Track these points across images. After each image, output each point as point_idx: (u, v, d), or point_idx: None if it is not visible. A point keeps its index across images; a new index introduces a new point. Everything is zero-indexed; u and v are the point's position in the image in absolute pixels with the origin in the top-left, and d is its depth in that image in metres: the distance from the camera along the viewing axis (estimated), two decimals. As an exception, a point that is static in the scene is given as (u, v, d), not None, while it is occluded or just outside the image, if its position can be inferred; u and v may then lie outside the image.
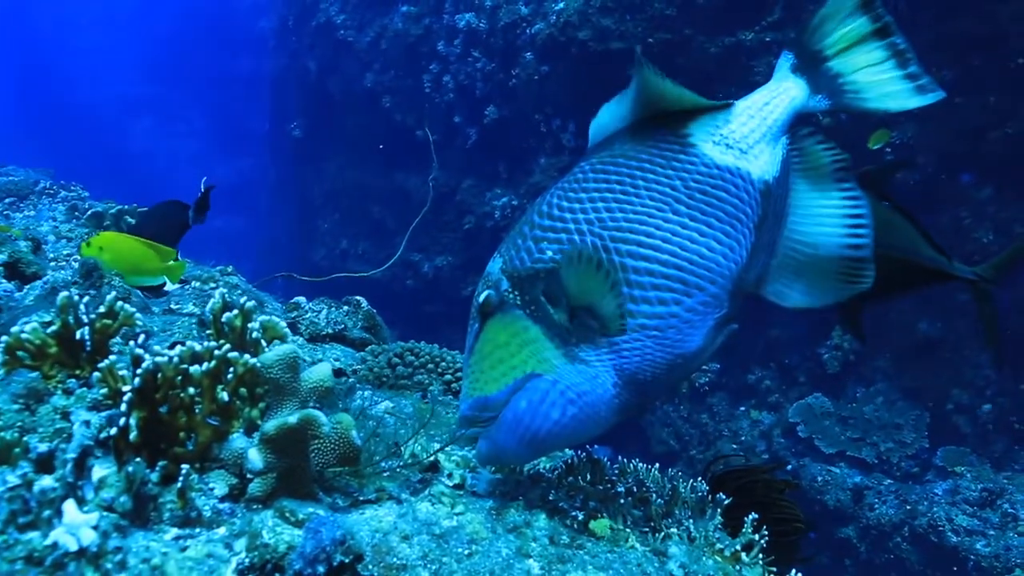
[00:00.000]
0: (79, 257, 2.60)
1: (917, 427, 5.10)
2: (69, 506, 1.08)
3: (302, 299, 2.89)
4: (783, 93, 1.45)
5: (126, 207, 4.26)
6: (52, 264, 3.12)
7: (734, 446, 5.54)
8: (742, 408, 5.83)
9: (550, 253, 1.35)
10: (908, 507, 4.76)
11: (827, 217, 1.38)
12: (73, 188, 5.22)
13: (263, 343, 1.47)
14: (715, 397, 5.94)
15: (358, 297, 2.93)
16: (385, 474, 1.44)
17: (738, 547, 1.47)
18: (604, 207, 1.35)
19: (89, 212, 4.16)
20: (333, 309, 2.84)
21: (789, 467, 5.23)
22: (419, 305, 7.72)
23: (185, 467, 1.22)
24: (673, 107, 1.40)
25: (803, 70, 1.46)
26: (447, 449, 1.63)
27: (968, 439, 5.05)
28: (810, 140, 1.43)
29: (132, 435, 1.25)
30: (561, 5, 6.22)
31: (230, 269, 3.54)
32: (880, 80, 1.41)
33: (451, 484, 1.51)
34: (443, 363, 2.21)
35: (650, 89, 1.35)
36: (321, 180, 9.75)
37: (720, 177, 1.37)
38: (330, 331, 2.75)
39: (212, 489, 1.30)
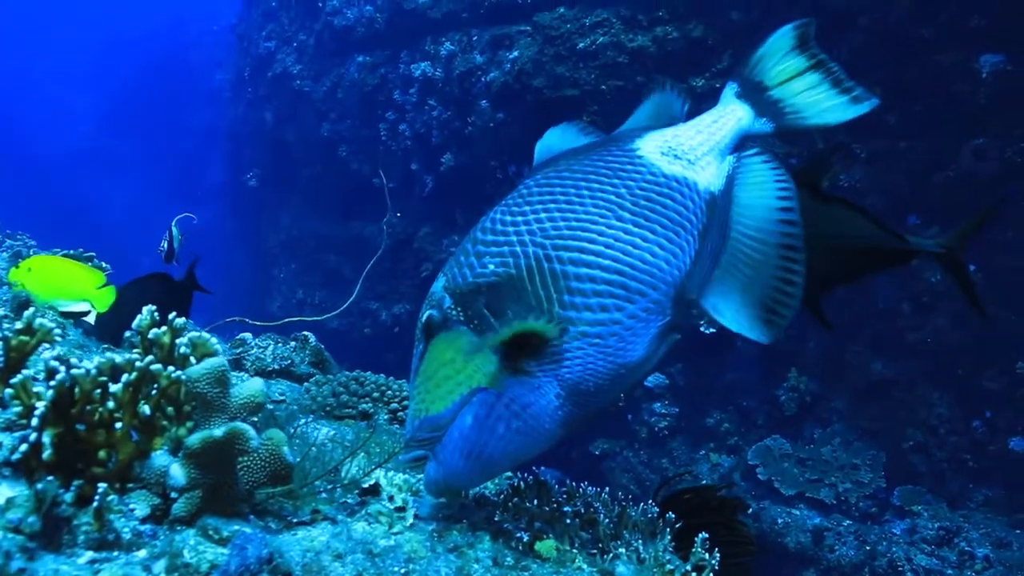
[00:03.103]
0: (8, 281, 2.49)
1: (874, 467, 5.11)
2: (-31, 525, 1.01)
3: (248, 335, 2.81)
4: (730, 114, 1.47)
5: (72, 252, 4.16)
6: (-9, 308, 3.00)
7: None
8: (702, 452, 5.80)
9: (492, 267, 1.32)
10: (868, 548, 4.73)
11: (761, 195, 1.38)
12: (19, 237, 5.08)
13: (192, 360, 1.40)
14: (675, 441, 5.91)
15: (306, 332, 2.86)
16: (322, 495, 1.37)
17: (688, 568, 1.42)
18: (547, 217, 1.33)
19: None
20: (280, 345, 2.77)
21: (750, 510, 5.18)
22: (378, 353, 7.62)
23: (102, 486, 1.14)
24: None
25: (746, 97, 1.48)
26: (389, 473, 1.57)
27: (924, 478, 5.07)
28: (756, 159, 1.43)
29: (45, 453, 1.17)
30: (516, 53, 6.31)
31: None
32: (817, 99, 1.44)
33: (392, 506, 1.44)
34: (389, 392, 2.14)
35: None
36: (277, 230, 9.67)
37: (667, 185, 1.36)
38: (276, 367, 2.67)
39: (133, 510, 1.22)
